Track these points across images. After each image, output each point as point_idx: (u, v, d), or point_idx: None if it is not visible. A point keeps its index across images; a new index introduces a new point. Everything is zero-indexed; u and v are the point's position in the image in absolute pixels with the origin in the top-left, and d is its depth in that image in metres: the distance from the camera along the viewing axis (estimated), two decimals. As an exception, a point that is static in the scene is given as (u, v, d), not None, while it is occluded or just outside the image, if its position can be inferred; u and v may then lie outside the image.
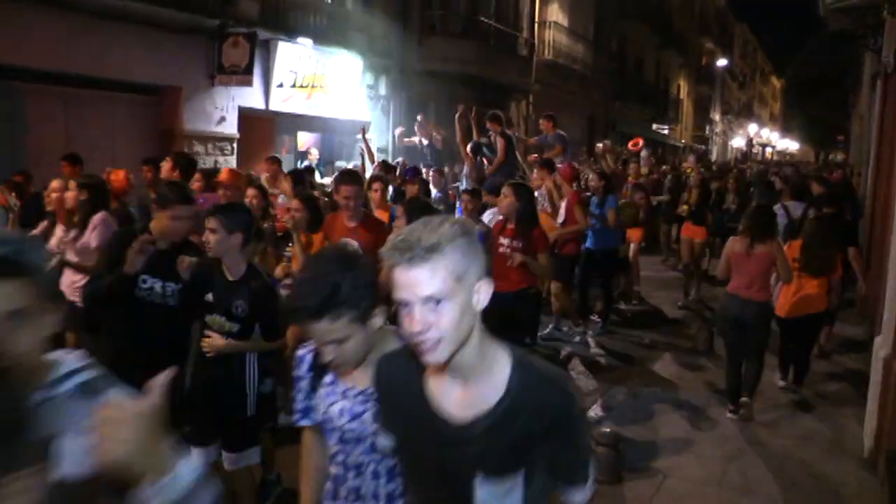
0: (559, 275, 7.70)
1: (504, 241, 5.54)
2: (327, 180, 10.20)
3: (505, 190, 5.74)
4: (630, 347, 7.95)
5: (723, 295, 5.96)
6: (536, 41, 20.98)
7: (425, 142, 11.73)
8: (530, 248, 5.46)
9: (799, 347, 6.30)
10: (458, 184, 9.86)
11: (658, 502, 4.49)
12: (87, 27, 9.42)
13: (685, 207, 10.07)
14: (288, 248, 5.41)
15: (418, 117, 12.50)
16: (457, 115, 10.08)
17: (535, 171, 9.21)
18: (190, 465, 1.31)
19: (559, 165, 8.84)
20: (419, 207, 4.66)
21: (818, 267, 6.01)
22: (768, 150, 65.82)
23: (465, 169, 9.61)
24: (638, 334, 8.51)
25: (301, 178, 7.25)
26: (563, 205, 7.80)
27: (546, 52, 21.40)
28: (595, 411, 5.89)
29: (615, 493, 4.57)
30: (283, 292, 3.73)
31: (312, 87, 13.16)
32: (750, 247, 5.54)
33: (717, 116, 49.64)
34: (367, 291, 1.97)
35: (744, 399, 5.75)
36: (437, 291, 1.53)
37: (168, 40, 10.59)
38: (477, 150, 9.67)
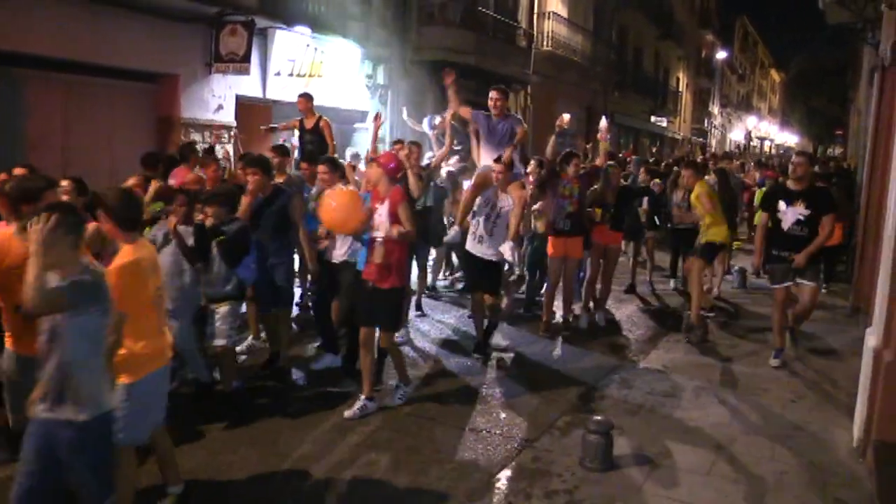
0: (383, 321, 5.68)
1: None
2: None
3: None
4: (622, 337, 8.01)
5: None
6: (535, 32, 20.94)
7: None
8: None
9: (827, 263, 9.45)
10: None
11: (648, 490, 4.54)
12: (87, 14, 9.41)
13: (598, 210, 8.10)
14: None
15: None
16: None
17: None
18: None
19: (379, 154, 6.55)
20: None
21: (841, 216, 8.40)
22: (766, 143, 65.76)
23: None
24: (630, 326, 8.57)
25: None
26: (383, 207, 5.57)
27: (545, 42, 21.36)
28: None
29: (606, 481, 4.62)
30: None
31: (310, 75, 13.13)
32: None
33: (716, 109, 49.56)
34: None
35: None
36: None
37: (166, 28, 10.59)
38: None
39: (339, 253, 6.47)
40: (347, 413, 5.52)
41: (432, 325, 8.20)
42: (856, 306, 9.24)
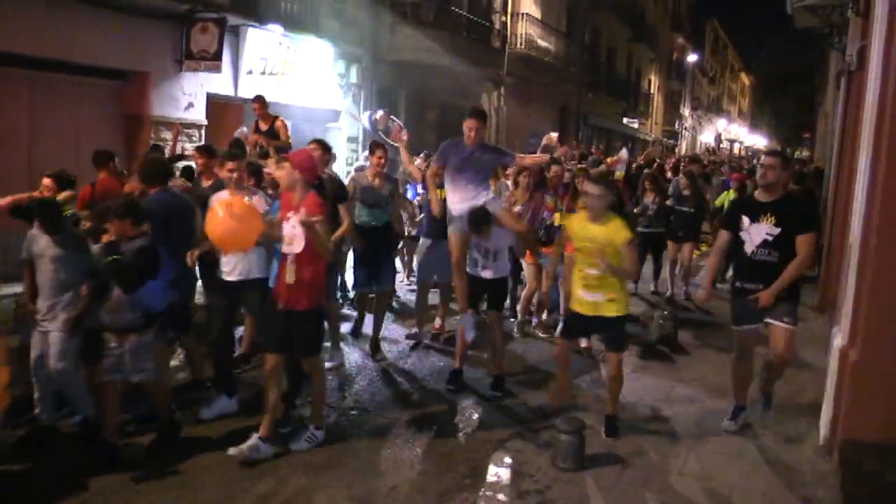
0: (303, 347, 4.96)
1: None
2: None
3: None
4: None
5: None
6: (509, 33, 21.02)
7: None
8: None
9: None
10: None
11: (620, 489, 4.57)
12: (55, 10, 9.23)
13: (557, 215, 7.76)
14: None
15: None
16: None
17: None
18: None
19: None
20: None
21: None
22: (736, 145, 66.61)
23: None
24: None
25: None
26: (294, 220, 4.70)
27: (518, 43, 21.43)
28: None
29: (578, 480, 4.64)
30: None
31: (282, 74, 13.04)
32: None
33: (686, 111, 50.11)
34: None
35: None
36: None
37: (136, 25, 10.43)
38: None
39: (231, 270, 5.53)
40: (232, 450, 4.72)
41: (398, 327, 8.20)
42: (822, 306, 9.39)
